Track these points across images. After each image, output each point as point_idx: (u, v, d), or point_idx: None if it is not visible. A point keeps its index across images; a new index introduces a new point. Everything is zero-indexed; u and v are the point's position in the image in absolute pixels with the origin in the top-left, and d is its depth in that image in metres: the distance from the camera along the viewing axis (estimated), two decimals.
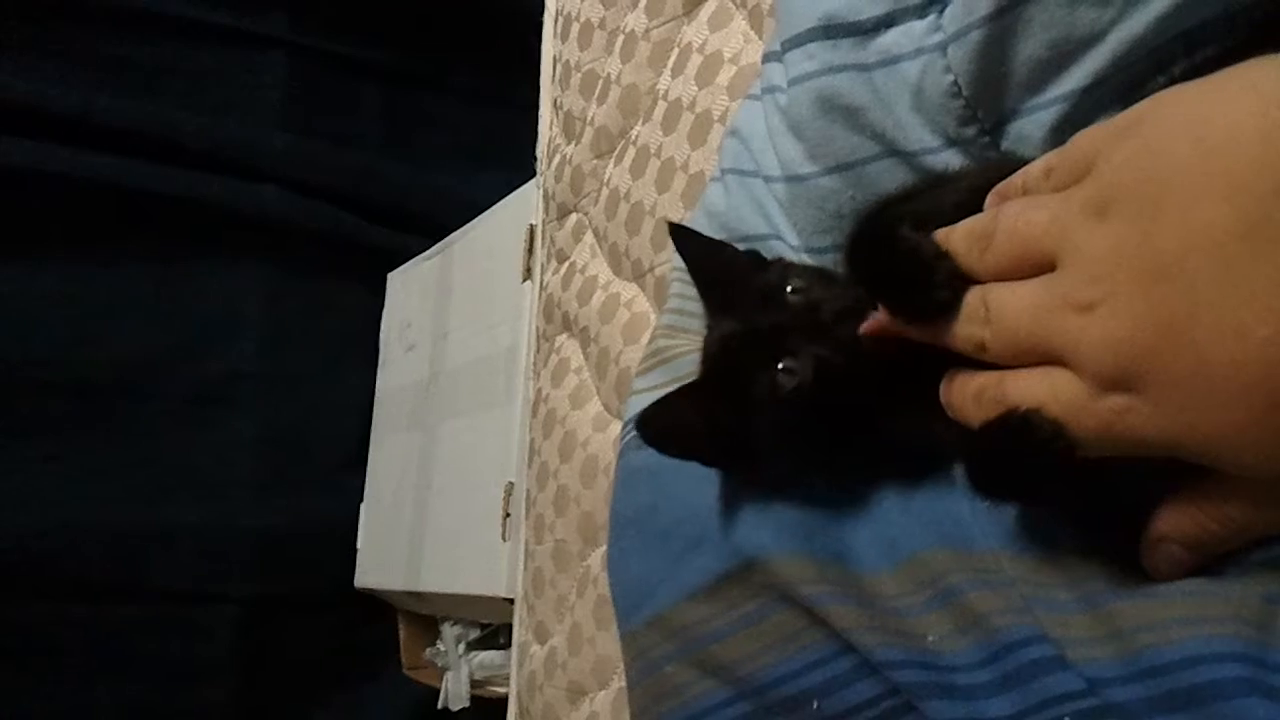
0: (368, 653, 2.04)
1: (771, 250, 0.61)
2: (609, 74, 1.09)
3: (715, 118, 0.90)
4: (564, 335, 1.16)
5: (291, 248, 2.11)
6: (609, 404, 1.03)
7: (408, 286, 2.06)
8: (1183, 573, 0.40)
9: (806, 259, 0.60)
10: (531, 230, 1.46)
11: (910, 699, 0.45)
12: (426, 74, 2.29)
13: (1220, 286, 0.33)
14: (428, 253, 1.97)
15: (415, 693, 1.96)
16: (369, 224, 2.16)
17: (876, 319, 0.45)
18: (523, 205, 1.52)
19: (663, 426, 0.55)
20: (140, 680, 1.85)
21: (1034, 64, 0.48)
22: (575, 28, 1.18)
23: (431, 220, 2.03)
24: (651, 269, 0.97)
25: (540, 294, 1.26)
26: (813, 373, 0.48)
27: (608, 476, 0.98)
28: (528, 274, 1.48)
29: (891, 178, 0.55)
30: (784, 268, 0.55)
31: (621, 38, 1.07)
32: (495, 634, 1.84)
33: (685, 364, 0.65)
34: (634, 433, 0.65)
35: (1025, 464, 0.39)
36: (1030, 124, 0.49)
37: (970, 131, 0.51)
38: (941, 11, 0.51)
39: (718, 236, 0.65)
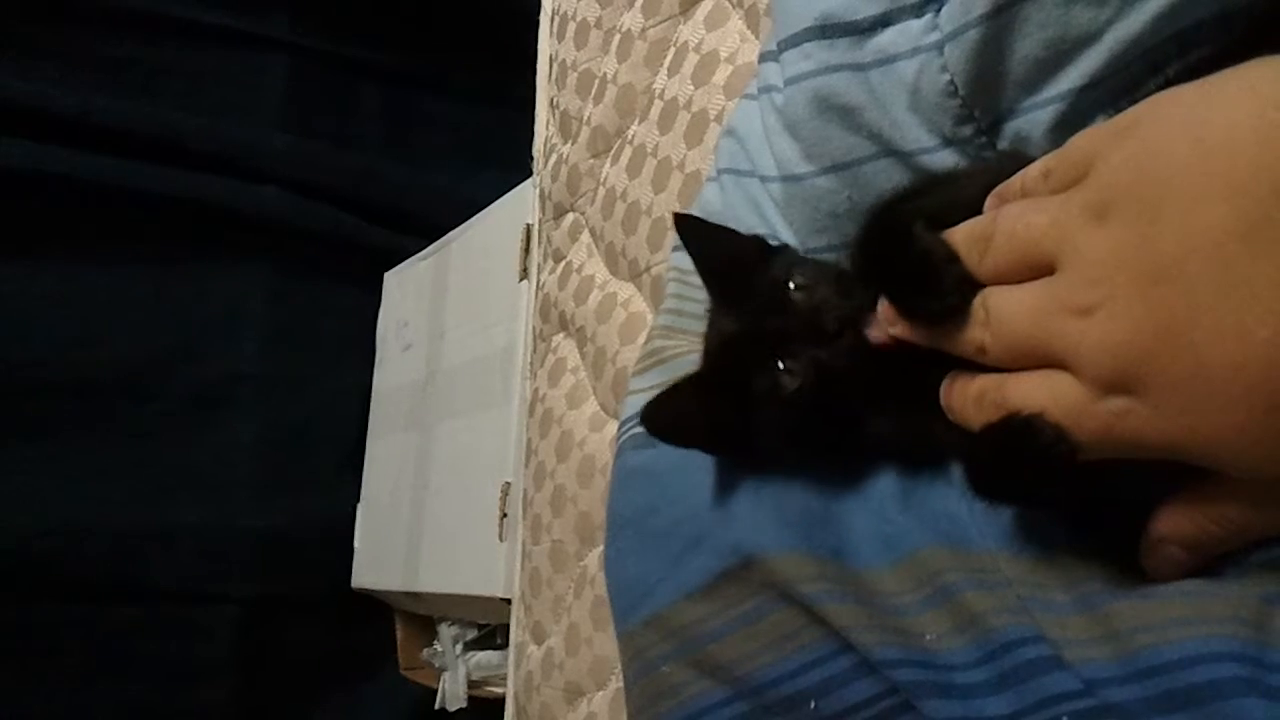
0: (365, 653, 2.04)
1: None
2: (605, 73, 1.09)
3: (711, 117, 0.90)
4: (561, 335, 1.16)
5: (291, 248, 2.11)
6: (606, 404, 1.03)
7: (404, 286, 2.06)
8: (1182, 574, 0.40)
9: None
10: (528, 230, 1.46)
11: (908, 698, 0.45)
12: (425, 75, 2.29)
13: (1220, 288, 0.33)
14: (424, 252, 1.97)
15: (412, 693, 1.96)
16: (367, 224, 2.16)
17: (879, 327, 0.46)
18: (519, 205, 1.52)
19: (666, 417, 0.55)
20: (140, 680, 1.85)
21: (1030, 63, 0.48)
22: (571, 27, 1.18)
23: (428, 220, 2.03)
24: (648, 268, 0.97)
25: (537, 293, 1.26)
26: (813, 376, 0.49)
27: (605, 476, 0.98)
28: (524, 273, 1.48)
29: (888, 178, 0.54)
30: (788, 262, 0.55)
31: (618, 37, 1.07)
32: (492, 634, 1.84)
33: (682, 364, 0.65)
34: (631, 432, 0.65)
35: (1026, 467, 0.39)
36: (1027, 123, 0.49)
37: (967, 131, 0.51)
38: (938, 11, 0.51)
39: None
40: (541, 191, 1.27)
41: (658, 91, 0.99)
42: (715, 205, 0.68)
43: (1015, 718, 0.41)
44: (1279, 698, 0.34)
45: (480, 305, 1.66)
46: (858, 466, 0.53)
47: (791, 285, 0.51)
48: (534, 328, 1.25)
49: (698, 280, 0.69)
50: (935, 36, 0.51)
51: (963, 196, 0.46)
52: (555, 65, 1.23)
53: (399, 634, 2.00)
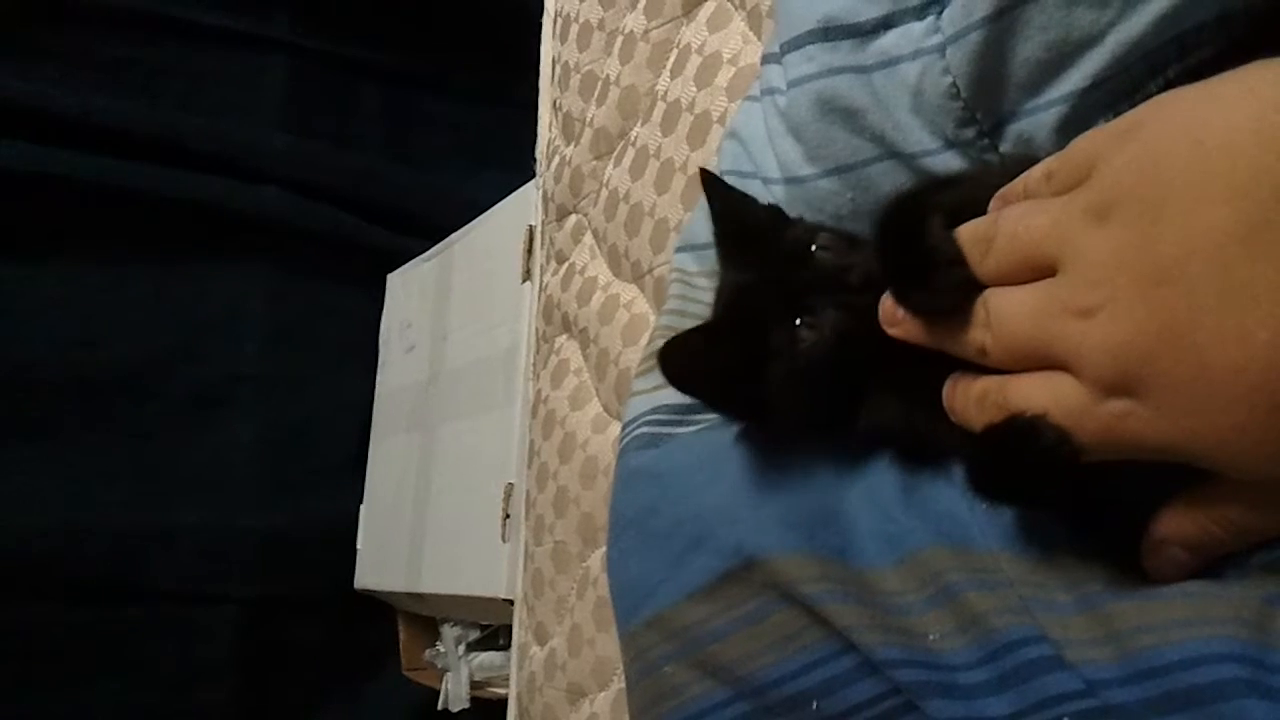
0: (368, 654, 2.04)
1: None
2: (608, 75, 1.09)
3: (714, 119, 0.90)
4: (563, 336, 1.16)
5: (292, 249, 2.11)
6: (608, 405, 1.03)
7: (407, 287, 2.06)
8: (1184, 575, 0.40)
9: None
10: (531, 231, 1.46)
11: (911, 698, 0.45)
12: (426, 75, 2.29)
13: (1221, 290, 0.33)
14: (427, 254, 1.97)
15: (415, 694, 1.96)
16: (369, 225, 2.16)
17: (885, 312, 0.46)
18: (522, 206, 1.52)
19: (681, 360, 0.54)
20: (140, 681, 1.85)
21: (1032, 65, 0.48)
22: (574, 29, 1.18)
23: (431, 221, 2.03)
24: (650, 270, 0.97)
25: (540, 295, 1.26)
26: (832, 333, 0.49)
27: (607, 477, 0.98)
28: (527, 275, 1.48)
29: (890, 180, 0.55)
30: (812, 226, 0.55)
31: (620, 39, 1.07)
32: (495, 635, 1.84)
33: None
34: (635, 433, 0.65)
35: (1028, 468, 0.39)
36: (1029, 125, 0.49)
37: (969, 133, 0.51)
38: (940, 13, 0.51)
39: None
40: (544, 193, 1.27)
41: (660, 93, 0.99)
42: None
43: (1016, 718, 0.41)
44: None
45: (483, 306, 1.66)
46: (860, 465, 0.53)
47: (814, 247, 0.51)
48: (537, 329, 1.25)
49: (700, 281, 0.69)
50: (937, 39, 0.51)
51: (984, 194, 0.46)
52: (558, 67, 1.23)
53: (401, 635, 2.00)
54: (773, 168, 0.62)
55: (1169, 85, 0.38)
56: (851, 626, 0.48)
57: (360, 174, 2.19)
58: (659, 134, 0.98)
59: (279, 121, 2.12)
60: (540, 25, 1.33)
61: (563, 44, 1.21)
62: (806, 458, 0.56)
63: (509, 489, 1.43)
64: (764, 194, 0.63)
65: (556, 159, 1.22)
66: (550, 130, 1.27)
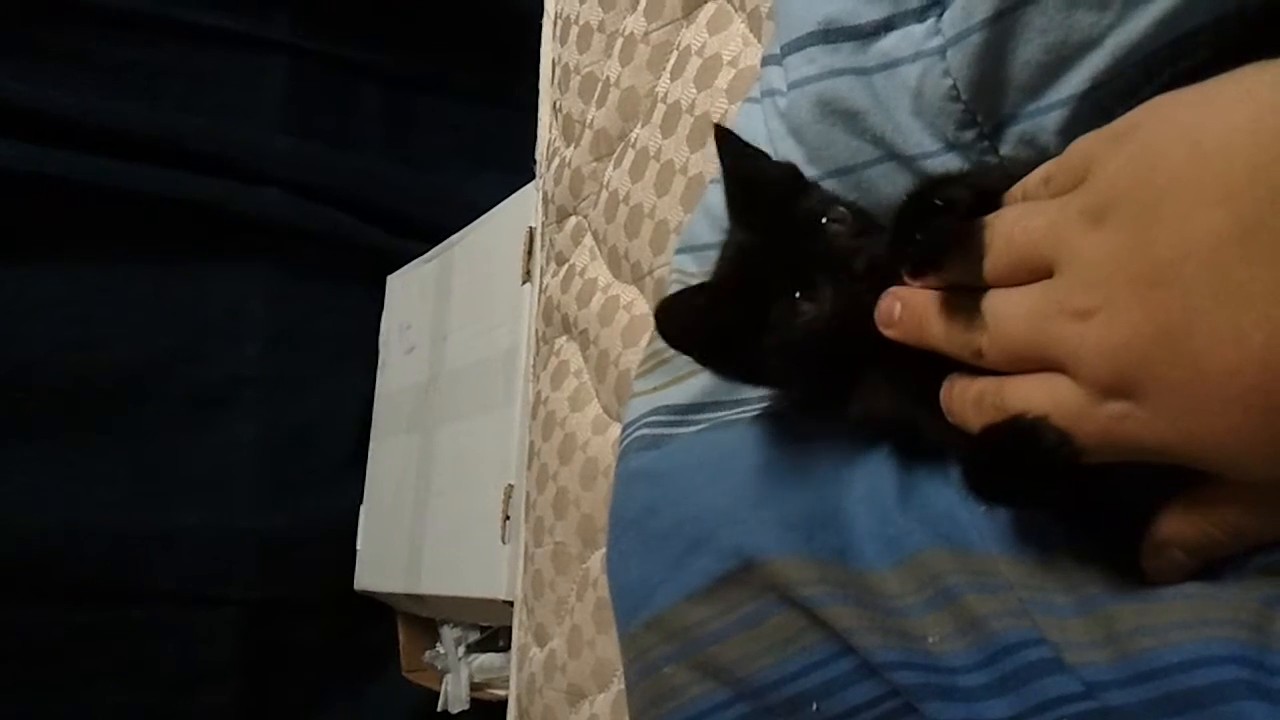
0: (367, 655, 2.04)
1: None
2: (608, 77, 1.09)
3: (714, 120, 0.90)
4: (563, 338, 1.16)
5: (292, 250, 2.11)
6: (608, 406, 1.03)
7: (407, 289, 2.06)
8: (1183, 577, 0.40)
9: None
10: (531, 233, 1.46)
11: (910, 700, 0.45)
12: (426, 77, 2.29)
13: (1216, 293, 0.33)
14: (427, 255, 1.97)
15: (415, 695, 1.96)
16: (369, 226, 2.16)
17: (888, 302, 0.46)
18: (522, 208, 1.52)
19: (678, 317, 0.54)
20: (141, 683, 1.85)
21: (1032, 68, 0.48)
22: (574, 30, 1.18)
23: (431, 222, 2.03)
24: (651, 271, 0.97)
25: (539, 296, 1.26)
26: (830, 313, 0.48)
27: (607, 479, 0.98)
28: (527, 276, 1.48)
29: (891, 182, 0.55)
30: (827, 198, 0.54)
31: (621, 40, 1.07)
32: (495, 636, 1.84)
33: (685, 364, 0.65)
34: (635, 435, 0.65)
35: (1027, 470, 0.39)
36: (1030, 128, 0.49)
37: (969, 135, 0.51)
38: (940, 16, 0.51)
39: (718, 239, 0.64)
40: (544, 195, 1.27)
41: (660, 95, 0.99)
42: (719, 207, 0.68)
43: None
44: None
45: (483, 308, 1.66)
46: (859, 468, 0.53)
47: (826, 220, 0.51)
48: (536, 330, 1.25)
49: (699, 280, 0.69)
50: (938, 41, 0.51)
51: (993, 189, 0.46)
52: (558, 68, 1.23)
53: (401, 636, 2.00)
54: None
55: (1165, 88, 0.38)
56: (850, 629, 0.48)
57: (360, 175, 2.19)
58: (659, 136, 0.98)
59: (279, 123, 2.12)
60: (540, 27, 1.33)
61: (563, 46, 1.21)
62: (806, 460, 0.56)
63: (509, 490, 1.43)
64: None
65: (556, 160, 1.22)
66: (550, 132, 1.28)
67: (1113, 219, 0.36)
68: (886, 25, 0.54)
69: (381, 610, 1.99)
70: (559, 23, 1.24)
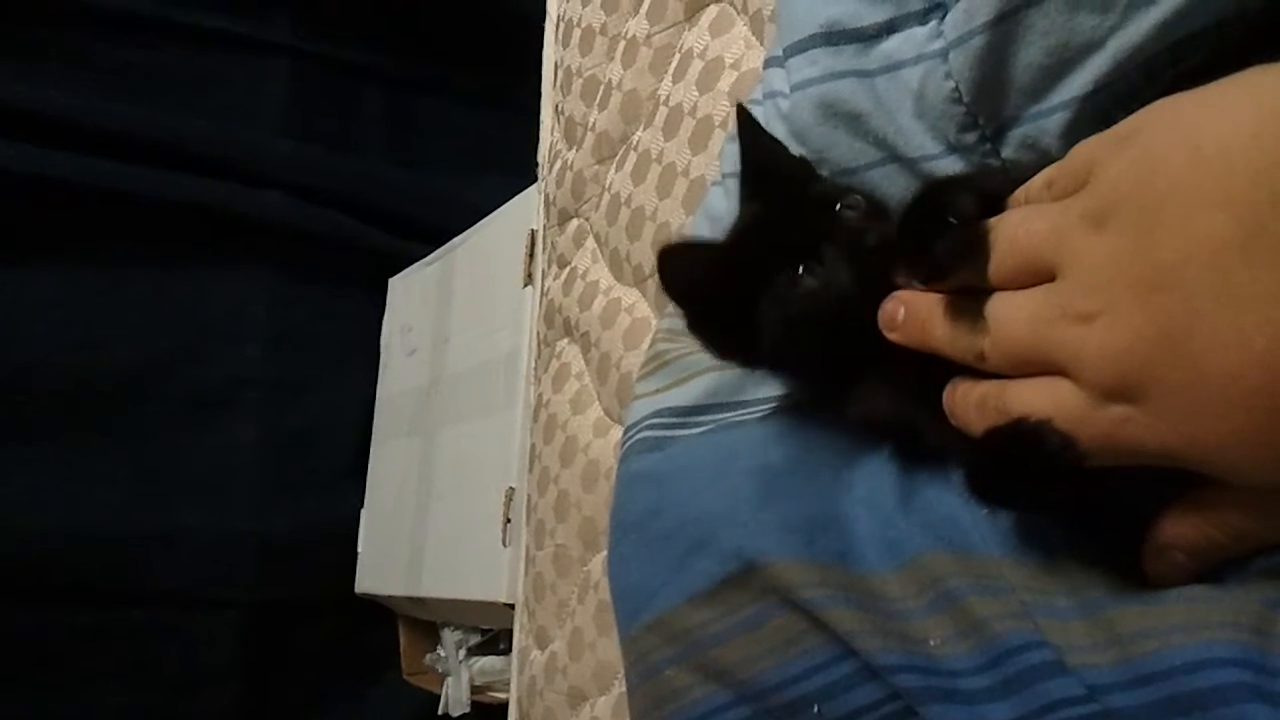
0: (368, 658, 2.04)
1: None
2: (610, 79, 1.09)
3: (716, 123, 0.91)
4: (565, 340, 1.16)
5: (294, 253, 2.11)
6: (610, 409, 1.03)
7: (409, 291, 2.06)
8: (1185, 580, 0.40)
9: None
10: (533, 235, 1.46)
11: (912, 703, 0.45)
12: (429, 79, 2.29)
13: (1218, 297, 0.33)
14: (429, 258, 1.97)
15: (416, 698, 1.96)
16: (370, 229, 2.16)
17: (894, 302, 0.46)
18: (524, 210, 1.52)
19: (681, 270, 0.54)
20: (141, 685, 1.85)
21: (1034, 70, 0.48)
22: (577, 33, 1.18)
23: (433, 225, 2.03)
24: (652, 274, 0.98)
25: (541, 299, 1.26)
26: (834, 288, 0.48)
27: (609, 481, 0.98)
28: (529, 279, 1.48)
29: (893, 184, 0.55)
30: (843, 185, 0.54)
31: (623, 43, 1.08)
32: (496, 639, 1.84)
33: (686, 366, 0.65)
34: (636, 437, 0.65)
35: (1030, 474, 0.39)
36: (1032, 131, 0.49)
37: (971, 138, 0.51)
38: (943, 18, 0.51)
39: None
40: (546, 197, 1.28)
41: (662, 97, 0.99)
42: (721, 210, 0.68)
43: None
44: None
45: (485, 311, 1.66)
46: (860, 471, 0.53)
47: (840, 204, 0.50)
48: (538, 333, 1.26)
49: None
50: (940, 43, 0.51)
51: (998, 191, 0.46)
52: (560, 71, 1.23)
53: (402, 639, 2.00)
54: None
55: (1165, 91, 0.38)
56: (852, 632, 0.48)
57: (362, 178, 2.19)
58: (661, 138, 0.98)
59: (281, 125, 2.13)
60: (542, 30, 1.34)
61: (565, 48, 1.22)
62: (807, 462, 0.56)
63: (510, 493, 1.43)
64: None
65: (558, 163, 1.22)
66: (552, 134, 1.28)
67: (1114, 223, 0.36)
68: (889, 28, 0.54)
69: (382, 613, 1.99)
70: (561, 25, 1.24)
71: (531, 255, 1.47)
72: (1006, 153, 0.51)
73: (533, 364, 1.29)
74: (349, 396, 2.11)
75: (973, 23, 0.49)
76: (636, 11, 1.06)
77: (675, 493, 0.60)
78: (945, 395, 0.44)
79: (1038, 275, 0.39)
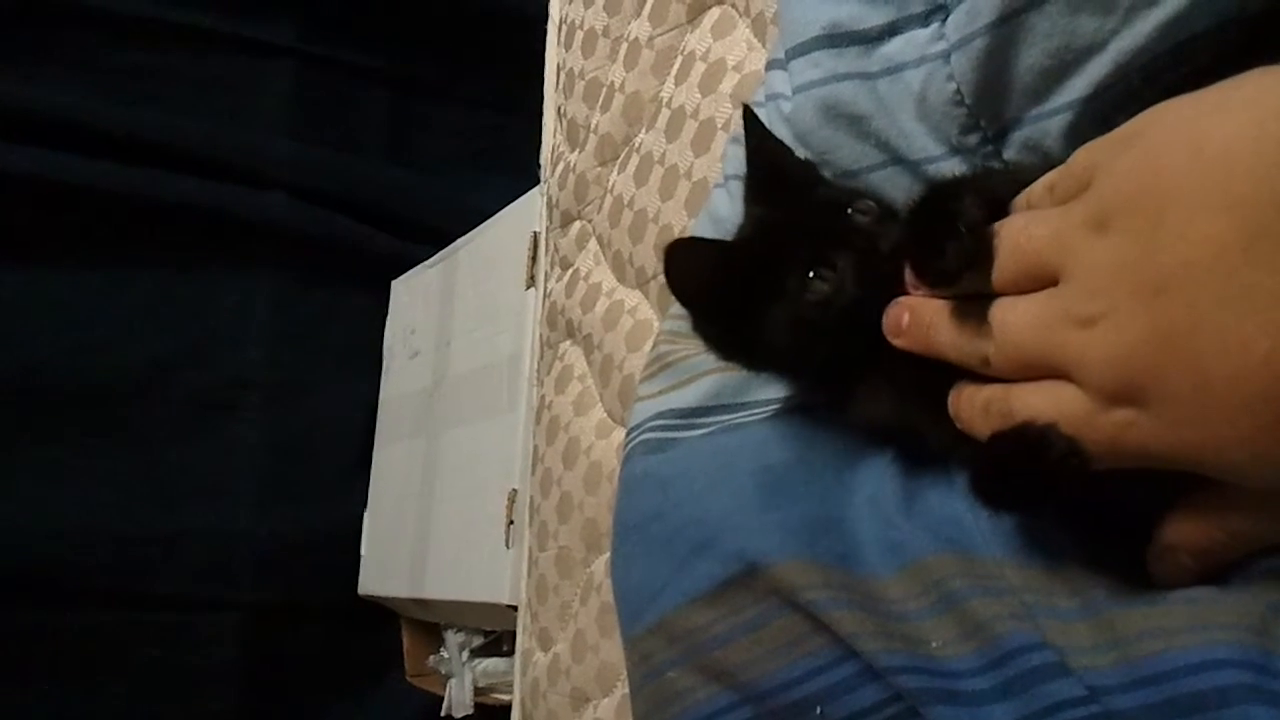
0: (371, 660, 2.04)
1: None
2: (612, 82, 1.09)
3: (719, 125, 0.91)
4: (567, 342, 1.17)
5: (296, 255, 2.11)
6: (612, 411, 1.03)
7: (412, 293, 2.06)
8: (1189, 581, 0.40)
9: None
10: (535, 237, 1.46)
11: (914, 705, 0.45)
12: (431, 82, 2.29)
13: (1221, 300, 0.33)
14: (432, 260, 1.97)
15: (419, 700, 1.95)
16: (374, 231, 2.16)
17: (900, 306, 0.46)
18: (526, 212, 1.52)
19: (686, 268, 0.53)
20: (143, 687, 1.85)
21: (1036, 72, 0.48)
22: (579, 35, 1.18)
23: (435, 227, 2.03)
24: (655, 276, 0.98)
25: (544, 301, 1.26)
26: (846, 294, 0.48)
27: (611, 483, 0.98)
28: (531, 281, 1.48)
29: (895, 186, 0.55)
30: (851, 189, 0.54)
31: (625, 46, 1.08)
32: (498, 641, 1.84)
33: (689, 368, 0.65)
34: (639, 439, 0.65)
35: (1036, 478, 0.39)
36: (1034, 133, 0.49)
37: (973, 140, 0.51)
38: (944, 20, 0.51)
39: None
40: (549, 199, 1.28)
41: (665, 100, 1.00)
42: (723, 212, 0.68)
43: None
44: None
45: (487, 313, 1.66)
46: (862, 473, 0.54)
47: (851, 209, 0.50)
48: (541, 335, 1.26)
49: None
50: (942, 46, 0.51)
51: (1003, 193, 0.46)
52: (563, 73, 1.23)
53: (405, 641, 2.00)
54: None
55: (1165, 93, 0.38)
56: (854, 633, 0.48)
57: (365, 180, 2.18)
58: (663, 140, 0.98)
59: (284, 127, 2.12)
60: (545, 32, 1.34)
61: (567, 51, 1.22)
62: (810, 464, 0.56)
63: (513, 495, 1.43)
64: None
65: (561, 165, 1.22)
66: (555, 136, 1.28)
67: (1116, 226, 0.36)
68: (891, 30, 0.54)
69: (385, 615, 1.99)
70: (563, 28, 1.24)
71: (534, 257, 1.47)
72: (1008, 154, 0.51)
73: (535, 366, 1.29)
74: (352, 399, 2.11)
75: (974, 25, 0.49)
76: (639, 14, 1.06)
77: (678, 494, 0.60)
78: (950, 399, 0.44)
79: (1041, 280, 0.39)
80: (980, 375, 0.42)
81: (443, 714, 1.84)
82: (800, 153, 0.59)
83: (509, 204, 1.64)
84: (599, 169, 1.12)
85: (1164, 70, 0.44)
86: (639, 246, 1.00)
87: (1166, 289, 0.34)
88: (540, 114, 1.35)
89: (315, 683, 2.00)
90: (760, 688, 0.51)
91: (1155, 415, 0.35)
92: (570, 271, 1.17)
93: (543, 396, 1.20)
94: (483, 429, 1.60)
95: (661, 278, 0.95)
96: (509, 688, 1.51)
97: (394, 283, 2.13)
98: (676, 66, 0.99)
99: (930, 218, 0.45)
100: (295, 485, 2.05)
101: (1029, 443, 0.38)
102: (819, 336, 0.49)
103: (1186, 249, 0.34)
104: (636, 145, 1.03)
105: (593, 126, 1.13)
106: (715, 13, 0.96)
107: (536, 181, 1.38)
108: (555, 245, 1.24)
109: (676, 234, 0.93)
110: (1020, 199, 0.43)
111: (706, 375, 0.64)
